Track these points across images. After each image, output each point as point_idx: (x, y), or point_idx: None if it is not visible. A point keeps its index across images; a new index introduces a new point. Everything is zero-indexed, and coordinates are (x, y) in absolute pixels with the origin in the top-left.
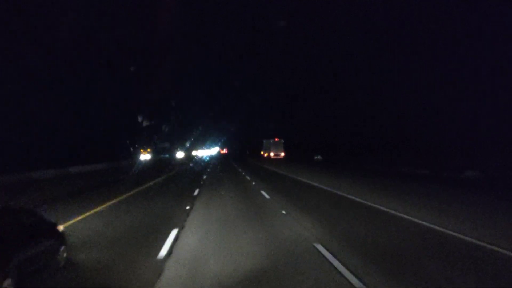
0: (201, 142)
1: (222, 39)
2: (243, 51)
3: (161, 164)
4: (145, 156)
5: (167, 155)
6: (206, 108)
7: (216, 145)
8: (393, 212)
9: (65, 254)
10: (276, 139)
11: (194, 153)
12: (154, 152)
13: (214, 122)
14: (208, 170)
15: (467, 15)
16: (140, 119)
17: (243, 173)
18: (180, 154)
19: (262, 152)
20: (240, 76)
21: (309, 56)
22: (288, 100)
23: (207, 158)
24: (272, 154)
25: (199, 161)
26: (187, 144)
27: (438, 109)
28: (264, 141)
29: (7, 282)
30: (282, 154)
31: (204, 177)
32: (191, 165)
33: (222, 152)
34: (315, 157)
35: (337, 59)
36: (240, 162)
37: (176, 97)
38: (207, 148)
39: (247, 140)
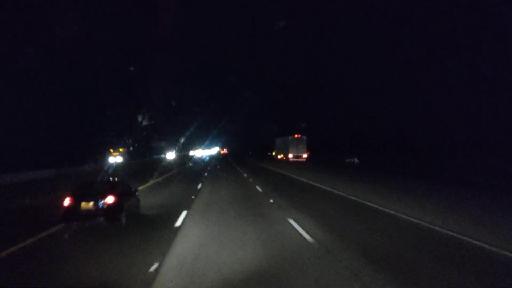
0: (200, 142)
1: (222, 39)
2: (243, 51)
3: (141, 168)
4: (115, 159)
5: (162, 156)
6: (206, 108)
7: (216, 145)
8: None
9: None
10: (296, 136)
11: (191, 153)
12: (149, 152)
13: (214, 122)
14: (199, 187)
15: (467, 15)
16: (140, 118)
17: (258, 187)
18: (170, 155)
19: (273, 153)
20: (240, 76)
21: (309, 55)
22: (292, 99)
23: (207, 158)
24: (290, 155)
25: (199, 162)
26: (181, 143)
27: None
28: (277, 139)
29: (123, 217)
30: (305, 155)
31: (184, 208)
32: (191, 164)
33: (222, 152)
34: (348, 160)
35: (338, 56)
36: (245, 167)
37: (175, 96)
38: (207, 148)
39: (248, 139)
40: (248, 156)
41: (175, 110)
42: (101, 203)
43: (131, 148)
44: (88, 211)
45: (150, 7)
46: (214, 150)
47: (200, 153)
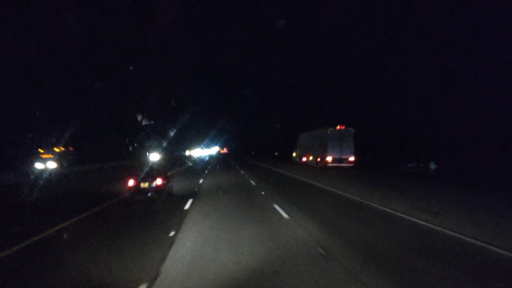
0: (200, 142)
1: (222, 39)
2: (243, 51)
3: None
4: (45, 164)
5: (145, 157)
6: (206, 107)
7: (215, 144)
8: None
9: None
10: (339, 127)
11: (188, 153)
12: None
13: (214, 121)
14: None
15: (467, 15)
16: (139, 118)
17: None
18: (154, 157)
19: (294, 154)
20: (240, 75)
21: (309, 54)
22: (299, 96)
23: (206, 158)
24: (329, 158)
25: (198, 162)
26: (167, 141)
27: None
28: (301, 134)
29: (165, 193)
30: (352, 158)
31: None
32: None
33: (222, 151)
34: (411, 165)
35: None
36: (262, 180)
37: (175, 96)
38: (207, 148)
39: (249, 139)
40: (252, 158)
41: (174, 110)
42: (152, 183)
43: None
44: (144, 188)
45: (150, 7)
46: (214, 150)
47: (199, 152)
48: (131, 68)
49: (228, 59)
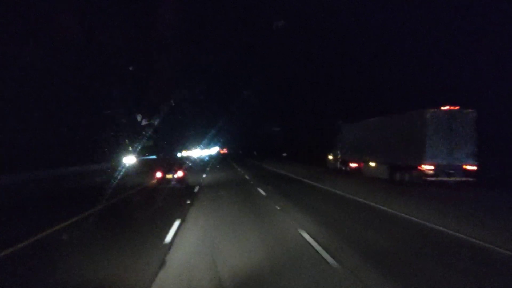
0: (199, 142)
1: (222, 39)
2: (243, 51)
3: None
4: None
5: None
6: (206, 107)
7: (215, 144)
8: None
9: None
10: (447, 108)
11: (185, 153)
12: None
13: (214, 121)
14: None
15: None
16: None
17: None
18: (130, 160)
19: (330, 157)
20: (241, 75)
21: (308, 53)
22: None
23: (206, 158)
24: (428, 166)
25: (199, 162)
26: (150, 141)
27: None
28: (350, 126)
29: (185, 183)
30: (472, 166)
31: None
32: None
33: (221, 151)
34: None
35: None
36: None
37: (175, 96)
38: (206, 148)
39: (249, 139)
40: (258, 160)
41: (174, 110)
42: (175, 175)
43: None
44: (169, 179)
45: (151, 7)
46: (214, 150)
47: (199, 153)
48: (131, 68)
49: (228, 59)
